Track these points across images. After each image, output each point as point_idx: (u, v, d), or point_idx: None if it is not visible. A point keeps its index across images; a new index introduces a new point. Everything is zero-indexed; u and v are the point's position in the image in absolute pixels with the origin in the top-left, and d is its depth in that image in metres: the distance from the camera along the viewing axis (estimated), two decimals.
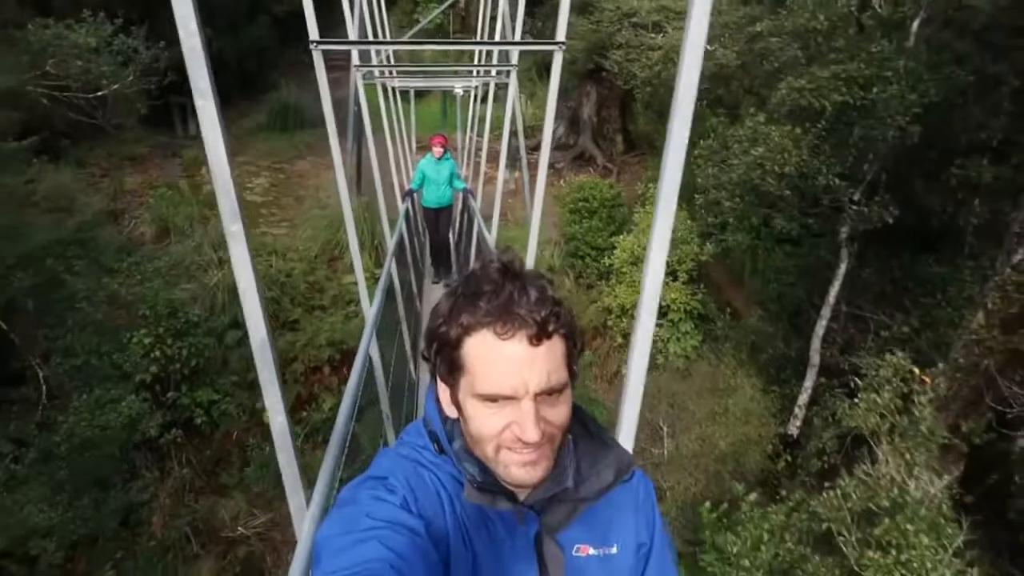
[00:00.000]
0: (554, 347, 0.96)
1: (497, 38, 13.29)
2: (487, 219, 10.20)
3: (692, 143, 13.52)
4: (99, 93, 8.98)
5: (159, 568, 10.39)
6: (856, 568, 5.67)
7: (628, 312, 12.58)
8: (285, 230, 15.33)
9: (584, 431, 1.12)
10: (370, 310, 4.65)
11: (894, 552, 5.36)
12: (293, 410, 12.10)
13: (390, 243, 8.01)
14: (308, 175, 18.40)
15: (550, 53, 5.71)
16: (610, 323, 13.15)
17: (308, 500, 2.35)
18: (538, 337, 0.93)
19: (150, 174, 17.55)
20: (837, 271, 10.46)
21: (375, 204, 11.32)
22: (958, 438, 9.02)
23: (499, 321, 0.93)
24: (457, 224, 11.93)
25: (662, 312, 12.59)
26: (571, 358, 1.00)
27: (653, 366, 12.77)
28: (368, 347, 3.61)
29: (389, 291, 5.72)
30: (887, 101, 8.31)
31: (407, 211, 10.19)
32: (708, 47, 13.20)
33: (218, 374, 12.03)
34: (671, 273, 12.48)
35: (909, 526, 5.36)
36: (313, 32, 5.26)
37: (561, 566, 1.07)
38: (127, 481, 9.76)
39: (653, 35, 13.66)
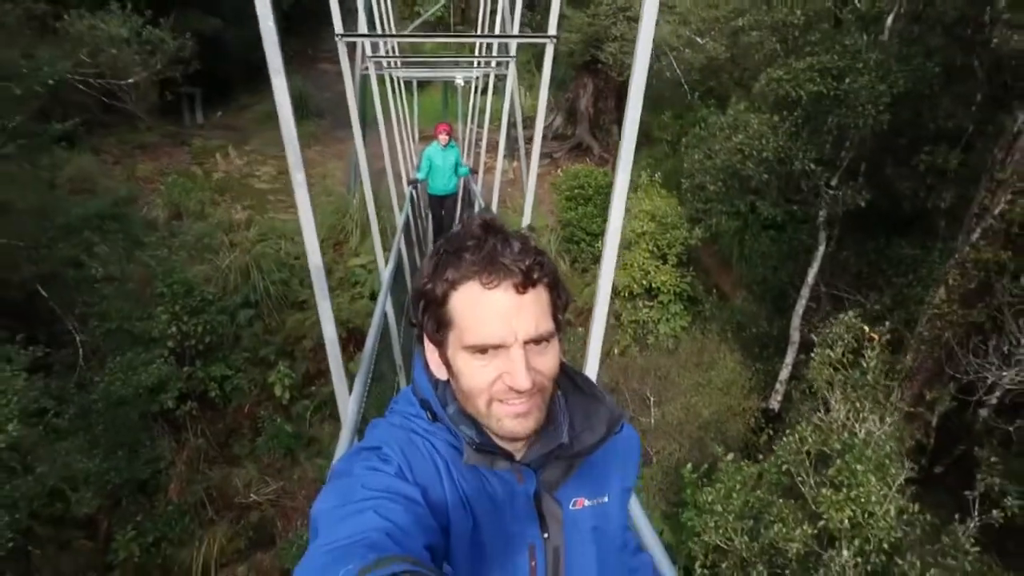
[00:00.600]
0: (539, 295, 1.00)
1: (497, 31, 13.97)
2: (487, 206, 10.90)
3: (683, 132, 14.30)
4: (130, 80, 9.70)
5: (177, 529, 11.15)
6: (813, 506, 6.41)
7: (620, 293, 13.31)
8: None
9: (573, 385, 1.16)
10: (385, 271, 5.32)
11: (845, 490, 6.10)
12: (301, 386, 12.88)
13: (398, 222, 8.72)
14: (314, 163, 19.11)
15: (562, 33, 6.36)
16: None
17: (351, 388, 3.06)
18: (524, 285, 0.97)
19: (160, 161, 18.29)
20: (816, 253, 11.18)
21: (381, 190, 12.03)
22: (923, 407, 9.79)
23: (484, 271, 0.97)
24: (458, 211, 12.64)
25: (652, 294, 13.34)
26: (556, 308, 1.04)
27: (643, 345, 13.55)
28: (385, 301, 4.33)
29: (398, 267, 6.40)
30: (858, 91, 9.02)
31: (411, 196, 10.86)
32: (699, 40, 13.94)
33: (231, 350, 12.77)
34: (661, 256, 13.22)
35: (858, 466, 6.10)
36: (338, 26, 5.86)
37: (560, 521, 1.11)
38: (151, 441, 10.56)
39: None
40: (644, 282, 13.09)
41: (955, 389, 9.28)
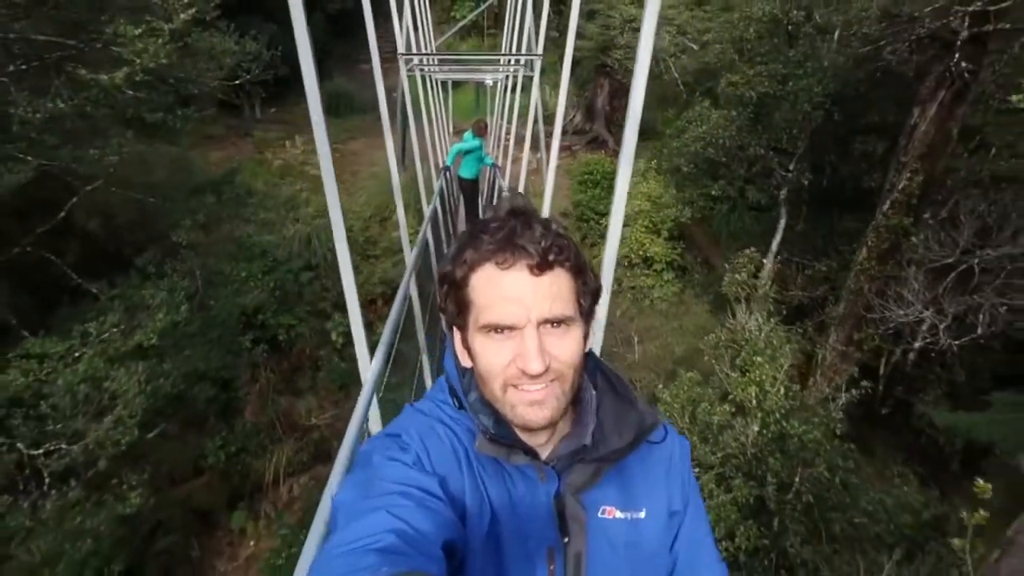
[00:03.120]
0: (558, 278, 1.01)
1: (526, 34, 16.87)
2: (515, 189, 13.77)
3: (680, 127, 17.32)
4: (236, 81, 12.98)
5: (253, 443, 14.39)
6: (728, 390, 9.33)
7: (620, 262, 16.28)
8: (344, 197, 19.33)
9: (610, 388, 1.16)
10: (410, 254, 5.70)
11: (748, 374, 9.01)
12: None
13: (425, 210, 11.43)
14: (361, 153, 22.44)
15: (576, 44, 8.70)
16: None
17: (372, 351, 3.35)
18: (540, 267, 0.99)
19: (228, 150, 21.76)
20: (778, 226, 14.04)
21: (418, 177, 15.15)
22: (852, 346, 12.55)
23: (499, 252, 1.00)
24: (485, 194, 15.55)
25: (648, 263, 16.29)
26: (579, 294, 1.05)
27: (639, 309, 16.49)
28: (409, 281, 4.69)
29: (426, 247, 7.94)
30: (799, 92, 11.90)
31: (444, 178, 13.79)
32: (695, 47, 16.86)
33: (295, 304, 16.03)
34: (656, 231, 16.18)
35: (757, 358, 9.01)
36: (401, 47, 8.80)
37: (583, 527, 1.10)
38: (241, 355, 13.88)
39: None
40: (641, 252, 16.06)
41: (881, 332, 12.03)
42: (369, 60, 7.46)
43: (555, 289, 1.01)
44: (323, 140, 2.95)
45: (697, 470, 9.14)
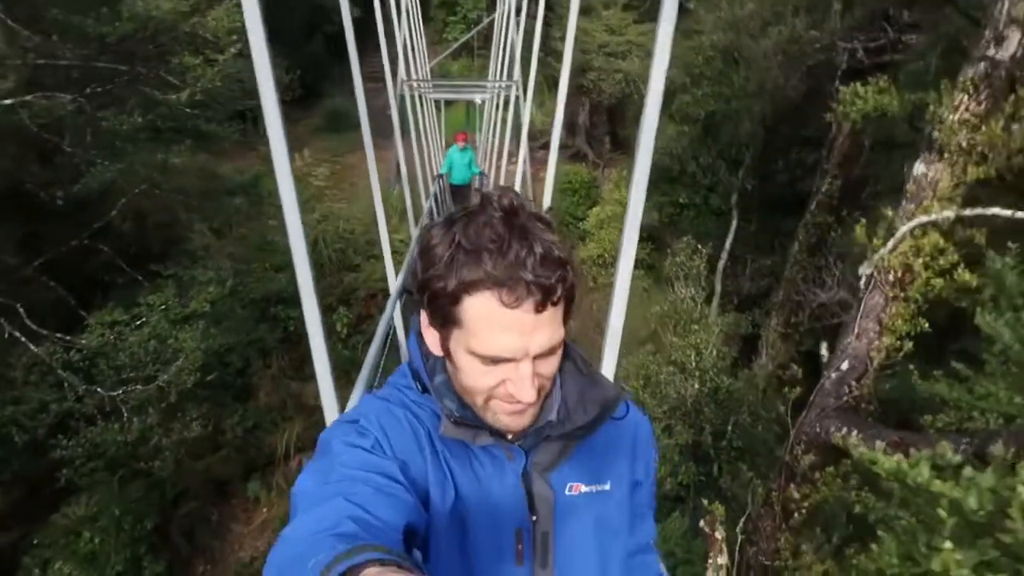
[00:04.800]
0: (556, 309, 1.01)
1: (512, 57, 19.21)
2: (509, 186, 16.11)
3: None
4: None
5: (267, 420, 16.58)
6: (671, 354, 11.67)
7: (596, 262, 18.66)
8: (345, 204, 21.74)
9: (574, 367, 1.19)
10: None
11: (686, 339, 11.35)
12: (355, 324, 18.37)
13: (421, 220, 13.62)
14: (358, 166, 24.83)
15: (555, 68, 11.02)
16: (583, 271, 19.29)
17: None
18: (543, 304, 0.98)
19: (236, 162, 24.11)
20: (731, 227, 16.47)
21: (412, 191, 17.50)
22: (790, 328, 14.90)
23: (504, 288, 0.96)
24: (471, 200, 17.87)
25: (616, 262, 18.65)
26: (568, 314, 1.06)
27: (607, 301, 18.79)
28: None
29: None
30: (740, 111, 14.37)
31: (435, 192, 16.05)
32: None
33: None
34: None
35: (695, 326, 11.36)
36: (404, 76, 11.18)
37: (551, 505, 1.14)
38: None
39: (620, 61, 19.96)
40: (613, 252, 18.45)
41: (809, 314, 14.36)
42: (369, 78, 9.36)
43: (554, 323, 1.02)
44: (282, 154, 2.77)
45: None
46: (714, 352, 11.18)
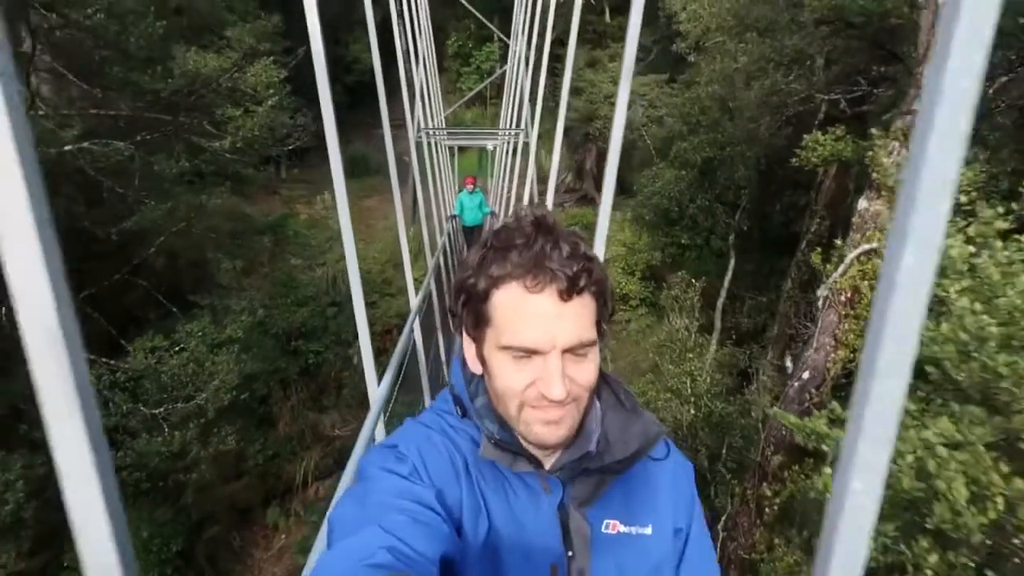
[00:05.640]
0: (584, 303, 1.03)
1: (521, 106, 20.61)
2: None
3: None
4: (288, 147, 16.79)
5: (287, 449, 17.55)
6: (668, 382, 12.61)
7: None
8: (363, 245, 23.03)
9: (615, 400, 1.19)
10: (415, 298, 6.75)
11: (683, 367, 12.32)
12: (375, 355, 19.37)
13: (428, 262, 14.73)
14: (375, 209, 26.26)
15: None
16: None
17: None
18: (568, 292, 1.00)
19: (260, 206, 25.56)
20: (728, 265, 17.53)
21: (429, 229, 18.71)
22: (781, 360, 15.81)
23: (529, 274, 1.00)
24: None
25: (624, 299, 19.73)
26: (601, 317, 1.07)
27: (618, 340, 19.81)
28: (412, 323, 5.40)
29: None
30: (734, 157, 15.54)
31: (449, 231, 17.19)
32: (667, 118, 20.69)
33: (323, 333, 19.47)
34: (631, 272, 19.68)
35: (689, 354, 12.34)
36: (422, 124, 12.42)
37: (587, 540, 1.12)
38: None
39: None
40: (618, 291, 19.53)
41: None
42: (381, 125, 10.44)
43: (581, 316, 1.02)
44: (342, 195, 3.61)
45: None
46: (708, 379, 12.12)
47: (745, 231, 16.66)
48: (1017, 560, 2.80)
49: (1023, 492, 2.69)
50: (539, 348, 1.01)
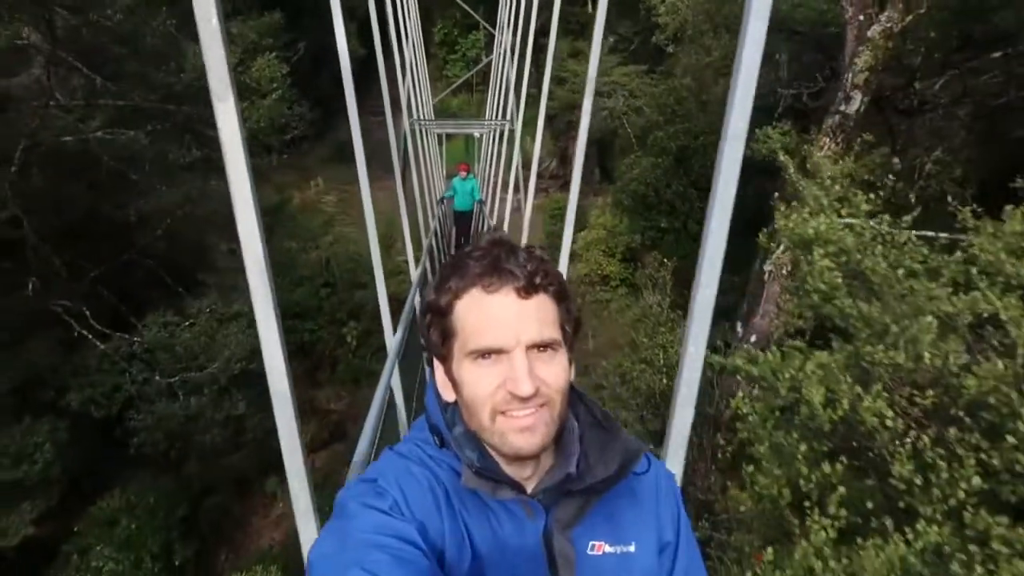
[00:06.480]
0: (544, 302, 1.07)
1: (507, 94, 21.59)
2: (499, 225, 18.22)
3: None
4: (287, 136, 17.79)
5: None
6: (643, 354, 13.81)
7: (584, 281, 20.91)
8: (353, 229, 24.05)
9: (592, 420, 1.20)
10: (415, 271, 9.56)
11: (655, 339, 13.49)
12: (364, 336, 20.54)
13: (430, 234, 15.81)
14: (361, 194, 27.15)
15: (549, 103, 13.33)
16: (573, 289, 21.50)
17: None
18: (526, 290, 1.05)
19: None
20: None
21: (421, 212, 19.71)
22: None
23: (486, 277, 1.05)
24: (473, 225, 19.99)
25: (605, 280, 20.92)
26: (564, 321, 1.11)
27: (600, 320, 20.99)
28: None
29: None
30: (707, 146, 16.67)
31: (439, 215, 18.15)
32: (645, 109, 21.83)
33: (317, 313, 20.53)
34: (611, 254, 20.86)
35: (661, 328, 13.51)
36: (414, 114, 13.33)
37: (572, 564, 1.12)
38: None
39: (606, 100, 22.48)
40: (599, 272, 20.73)
41: None
42: (373, 111, 10.81)
43: (541, 313, 1.06)
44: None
45: (624, 413, 13.53)
46: (679, 351, 13.27)
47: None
48: (855, 443, 3.98)
49: (860, 395, 3.85)
50: (503, 346, 1.04)
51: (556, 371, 1.07)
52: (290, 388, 2.43)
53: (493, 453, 1.12)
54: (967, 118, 12.14)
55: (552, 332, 1.07)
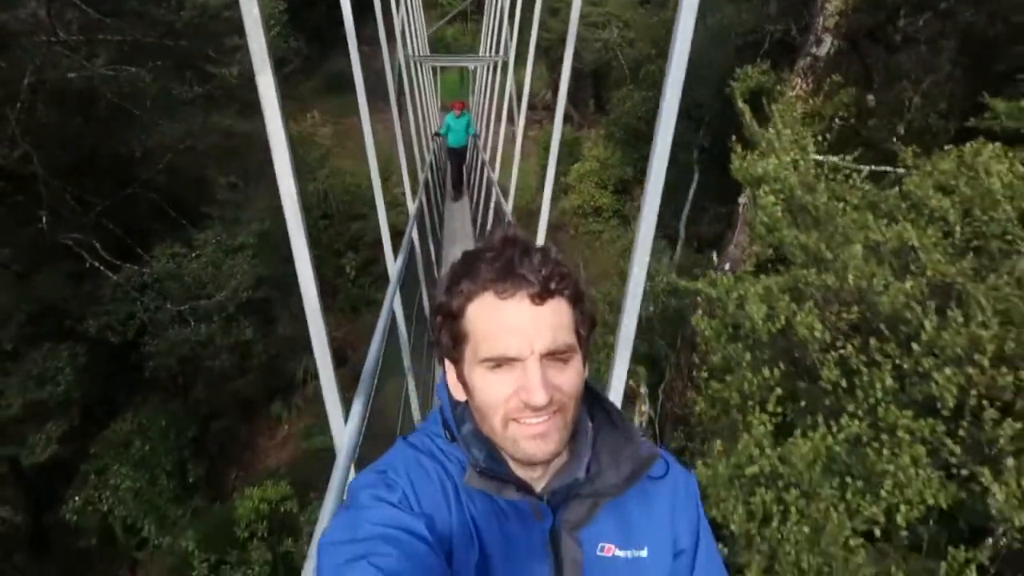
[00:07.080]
0: (559, 307, 1.04)
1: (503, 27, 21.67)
2: (491, 160, 18.49)
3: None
4: (284, 70, 18.02)
5: (287, 349, 19.40)
6: None
7: (577, 212, 21.50)
8: (350, 162, 24.48)
9: (608, 421, 1.18)
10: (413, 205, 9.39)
11: None
12: (362, 266, 21.23)
13: (425, 168, 16.18)
14: (356, 128, 27.35)
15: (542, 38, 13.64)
16: (566, 220, 22.14)
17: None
18: (541, 296, 1.01)
19: (254, 123, 26.76)
20: (692, 179, 19.28)
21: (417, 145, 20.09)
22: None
23: (499, 282, 1.02)
24: (467, 159, 20.38)
25: (597, 211, 21.51)
26: (578, 323, 1.07)
27: (592, 251, 21.66)
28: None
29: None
30: (696, 79, 17.03)
31: (434, 149, 18.45)
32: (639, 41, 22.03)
33: (316, 244, 20.92)
34: (603, 186, 21.40)
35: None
36: (408, 46, 13.57)
37: (580, 565, 1.11)
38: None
39: (600, 31, 22.62)
40: (592, 204, 21.32)
41: None
42: (367, 43, 10.91)
43: (556, 319, 1.03)
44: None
45: (611, 338, 14.16)
46: (664, 280, 14.00)
47: (708, 147, 18.29)
48: (798, 353, 4.74)
49: (795, 312, 4.57)
50: (517, 355, 1.02)
51: (570, 377, 1.06)
52: (320, 305, 2.84)
53: (503, 453, 1.12)
54: (951, 52, 12.60)
55: (566, 337, 1.05)
